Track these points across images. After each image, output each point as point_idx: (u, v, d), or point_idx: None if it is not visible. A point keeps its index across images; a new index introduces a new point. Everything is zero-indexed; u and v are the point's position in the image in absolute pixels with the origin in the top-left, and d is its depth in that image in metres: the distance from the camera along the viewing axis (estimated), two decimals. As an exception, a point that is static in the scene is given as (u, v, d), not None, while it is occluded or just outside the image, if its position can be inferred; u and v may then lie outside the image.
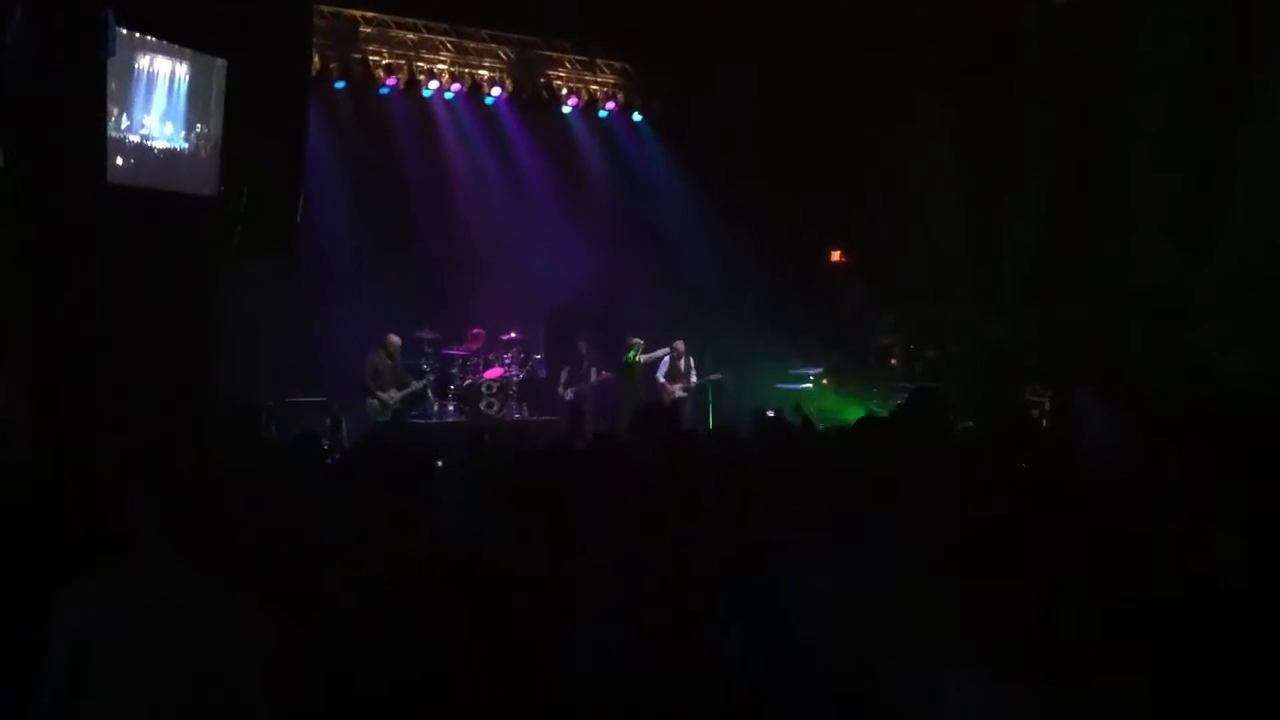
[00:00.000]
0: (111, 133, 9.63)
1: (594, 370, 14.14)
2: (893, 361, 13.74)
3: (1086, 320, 11.53)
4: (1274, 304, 10.30)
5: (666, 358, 14.00)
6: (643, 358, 13.94)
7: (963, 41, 12.79)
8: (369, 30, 13.74)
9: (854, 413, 11.37)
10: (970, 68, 12.78)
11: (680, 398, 13.64)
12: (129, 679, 2.37)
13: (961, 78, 12.92)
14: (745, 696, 1.89)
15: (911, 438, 3.45)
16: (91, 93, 9.00)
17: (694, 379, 13.91)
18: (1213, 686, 1.57)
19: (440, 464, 5.57)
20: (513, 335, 14.33)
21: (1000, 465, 3.45)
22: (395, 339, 12.86)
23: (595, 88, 15.41)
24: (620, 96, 15.50)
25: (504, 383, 14.04)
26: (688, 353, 13.93)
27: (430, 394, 13.50)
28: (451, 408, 13.67)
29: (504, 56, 14.76)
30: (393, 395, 12.78)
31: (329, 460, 6.72)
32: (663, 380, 13.95)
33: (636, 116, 15.64)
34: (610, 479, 3.72)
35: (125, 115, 10.02)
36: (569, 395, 13.98)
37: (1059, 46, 12.12)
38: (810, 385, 14.09)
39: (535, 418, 13.92)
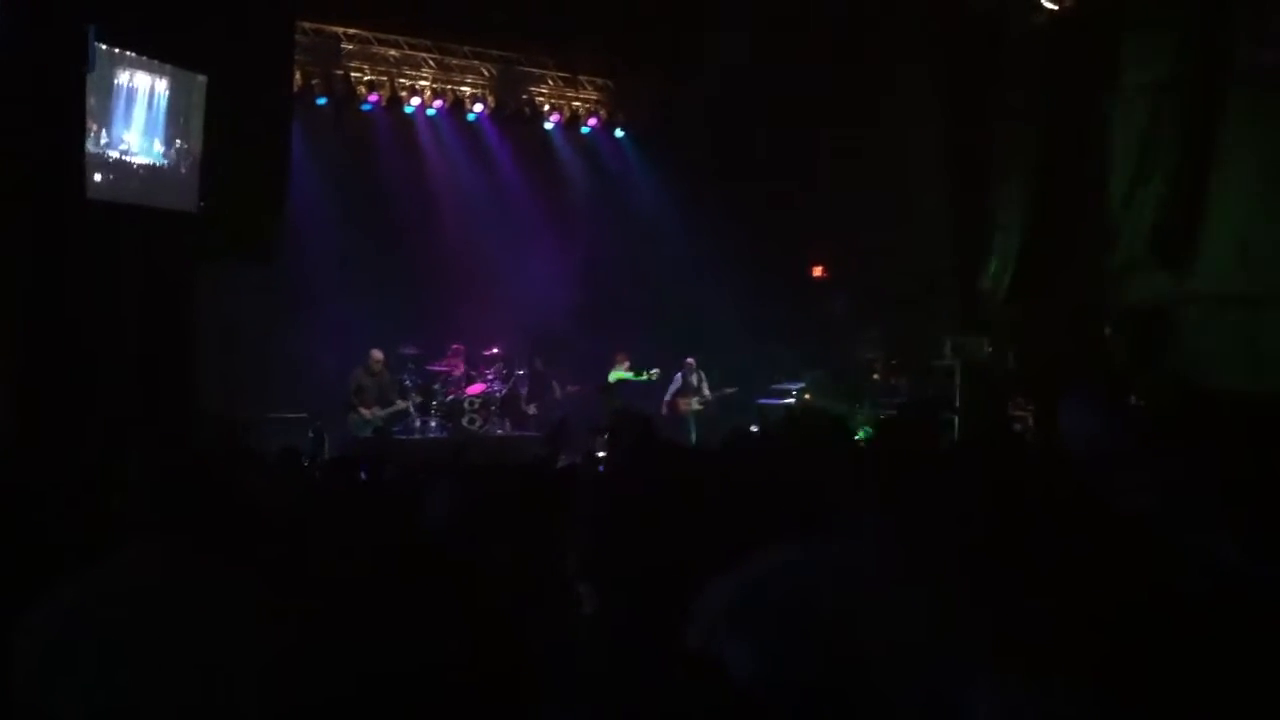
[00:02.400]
0: (90, 148, 9.62)
1: (556, 385, 14.20)
2: (876, 375, 13.75)
3: (1070, 333, 11.58)
4: (1257, 316, 10.36)
5: (678, 375, 14.23)
6: (625, 377, 14.05)
7: (947, 54, 12.87)
8: (351, 47, 13.74)
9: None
10: (955, 80, 12.85)
11: (697, 410, 14.02)
12: (114, 674, 2.34)
13: (946, 90, 12.99)
14: (739, 700, 1.88)
15: (904, 443, 3.44)
16: (71, 108, 9.00)
17: (707, 393, 14.15)
18: (1210, 686, 1.56)
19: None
20: (495, 351, 14.32)
21: (988, 474, 3.42)
22: (378, 354, 12.86)
23: (578, 104, 15.46)
24: (603, 112, 15.55)
25: (486, 398, 14.02)
26: (699, 368, 14.22)
27: (413, 410, 13.48)
28: (434, 423, 13.63)
29: (486, 73, 14.79)
30: (376, 412, 12.75)
31: (311, 474, 6.67)
32: (672, 398, 14.19)
33: (619, 132, 15.69)
34: (590, 486, 3.72)
35: (105, 131, 9.98)
36: (532, 410, 14.13)
37: (1044, 59, 12.21)
38: (793, 400, 14.11)
39: (518, 433, 13.89)
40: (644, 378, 14.16)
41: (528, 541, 2.68)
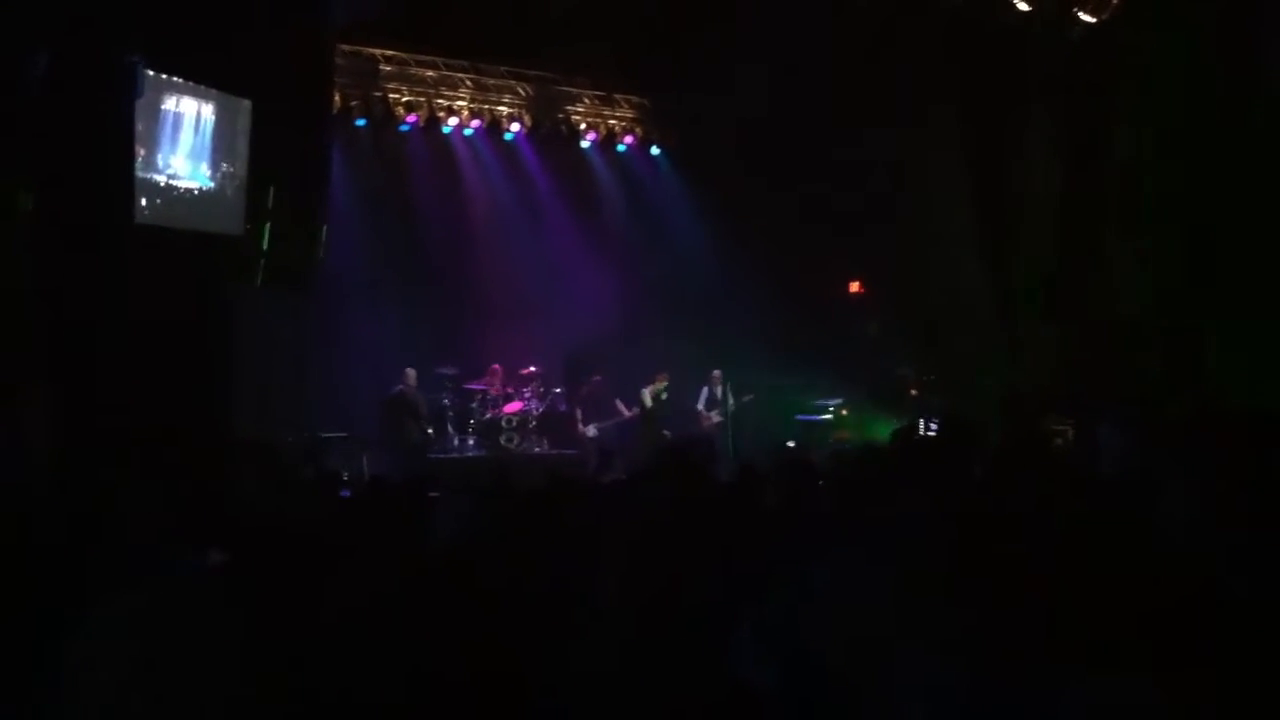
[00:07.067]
0: (139, 173, 9.78)
1: (623, 406, 14.21)
2: (912, 393, 13.70)
3: (1101, 348, 11.50)
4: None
5: (705, 388, 14.36)
6: (648, 401, 14.08)
7: (971, 71, 12.86)
8: (389, 68, 13.91)
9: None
10: (984, 101, 12.83)
11: (718, 423, 14.13)
12: (138, 699, 2.42)
13: (976, 110, 12.97)
14: (742, 709, 1.92)
15: (942, 459, 3.47)
16: (119, 134, 9.17)
17: (731, 403, 14.26)
18: (1212, 688, 1.59)
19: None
20: (532, 369, 14.39)
21: (1017, 487, 3.46)
22: (410, 372, 12.96)
23: (613, 122, 15.54)
24: (638, 130, 15.62)
25: (524, 417, 14.10)
26: (724, 380, 14.27)
27: (450, 428, 13.58)
28: (471, 442, 13.73)
29: (523, 92, 14.92)
30: (421, 423, 12.91)
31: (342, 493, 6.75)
32: (700, 409, 14.37)
33: (654, 150, 15.75)
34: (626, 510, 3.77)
35: (153, 156, 10.16)
36: (592, 432, 14.05)
37: (1072, 77, 12.17)
38: (830, 416, 14.09)
39: (555, 451, 13.94)
40: (663, 397, 14.16)
41: (539, 552, 2.73)
